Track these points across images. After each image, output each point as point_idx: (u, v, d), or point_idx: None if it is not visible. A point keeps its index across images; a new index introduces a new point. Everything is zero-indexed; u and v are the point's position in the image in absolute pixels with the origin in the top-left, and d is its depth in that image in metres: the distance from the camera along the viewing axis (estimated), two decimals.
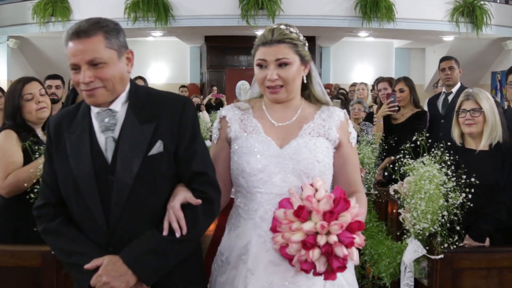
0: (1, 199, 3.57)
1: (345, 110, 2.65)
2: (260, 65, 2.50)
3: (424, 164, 3.25)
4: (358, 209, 2.23)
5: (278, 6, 14.93)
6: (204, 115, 10.30)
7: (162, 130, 2.29)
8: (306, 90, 2.62)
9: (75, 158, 2.28)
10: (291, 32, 2.49)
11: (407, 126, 5.74)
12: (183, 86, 13.15)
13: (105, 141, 2.30)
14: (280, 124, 2.54)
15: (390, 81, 6.61)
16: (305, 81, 2.57)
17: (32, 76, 3.88)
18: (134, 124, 2.28)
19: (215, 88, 15.00)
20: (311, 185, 2.30)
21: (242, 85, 18.90)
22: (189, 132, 2.34)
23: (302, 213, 2.21)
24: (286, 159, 2.44)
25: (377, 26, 15.08)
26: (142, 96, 2.37)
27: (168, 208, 2.26)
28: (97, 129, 2.31)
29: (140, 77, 7.64)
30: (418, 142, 3.33)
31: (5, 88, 10.25)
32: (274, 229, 2.30)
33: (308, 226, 2.19)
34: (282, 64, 2.45)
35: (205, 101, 13.92)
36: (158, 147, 2.27)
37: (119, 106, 2.31)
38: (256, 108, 2.61)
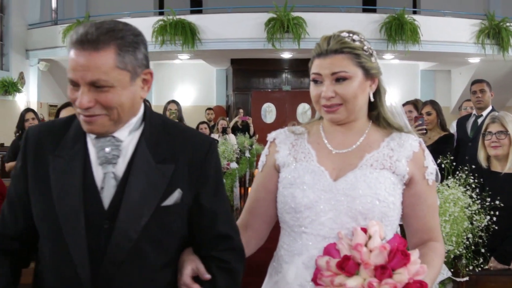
0: None
1: (421, 139, 2.14)
2: (315, 80, 2.04)
3: (448, 186, 3.27)
4: (419, 266, 1.78)
5: (304, 29, 15.07)
6: (230, 138, 10.37)
7: (179, 175, 1.78)
8: (375, 111, 2.12)
9: (60, 191, 1.72)
10: (353, 40, 2.01)
11: (435, 149, 5.72)
12: (209, 109, 13.21)
13: (103, 176, 1.74)
14: (338, 151, 2.07)
15: (415, 103, 6.61)
16: (371, 99, 2.08)
17: (67, 101, 4.01)
18: (148, 161, 1.76)
19: (241, 110, 15.08)
20: (364, 230, 1.84)
21: (267, 107, 19.03)
22: (212, 182, 1.85)
23: (348, 265, 1.76)
24: (339, 195, 1.96)
25: (402, 49, 15.11)
26: (157, 126, 1.83)
27: (180, 286, 1.80)
28: (93, 159, 1.76)
29: (173, 101, 7.29)
30: (443, 165, 3.36)
31: (36, 110, 10.48)
32: (315, 281, 1.86)
33: (353, 282, 1.74)
34: (339, 78, 1.98)
35: (231, 124, 14.00)
36: (175, 197, 1.77)
37: (125, 135, 1.77)
38: (313, 132, 2.15)
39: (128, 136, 1.77)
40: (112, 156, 1.74)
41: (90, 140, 1.77)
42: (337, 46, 1.99)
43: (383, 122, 2.10)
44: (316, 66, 2.03)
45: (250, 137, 12.86)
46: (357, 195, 1.93)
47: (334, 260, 1.80)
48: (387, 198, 1.95)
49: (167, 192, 1.75)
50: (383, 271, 1.72)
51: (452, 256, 3.26)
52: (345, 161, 2.03)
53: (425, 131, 5.85)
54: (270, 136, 2.20)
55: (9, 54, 18.15)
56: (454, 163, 3.38)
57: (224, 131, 10.63)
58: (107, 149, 1.74)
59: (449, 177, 3.34)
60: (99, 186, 1.73)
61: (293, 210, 2.00)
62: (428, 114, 5.99)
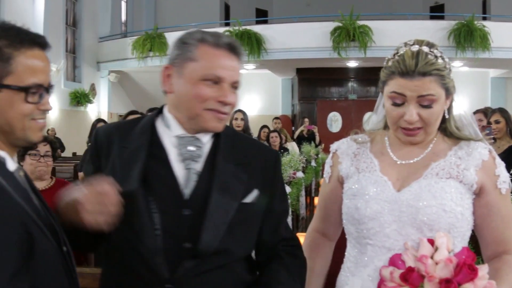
0: None
1: (491, 148, 2.02)
2: (394, 99, 1.90)
3: None
4: (487, 281, 1.69)
5: (370, 38, 14.98)
6: (293, 146, 10.37)
7: (254, 177, 1.88)
8: (443, 124, 2.02)
9: (121, 176, 1.77)
10: (436, 58, 1.88)
11: (504, 159, 5.58)
12: (276, 118, 13.21)
13: (186, 172, 1.83)
14: (403, 161, 1.99)
15: (485, 112, 6.47)
16: (446, 116, 1.98)
17: (133, 109, 4.14)
18: (228, 161, 1.87)
19: (306, 119, 15.04)
20: (431, 241, 1.76)
21: (333, 116, 18.96)
22: (280, 189, 2.00)
23: (412, 277, 1.69)
24: (403, 205, 1.88)
25: (472, 56, 14.81)
26: (230, 134, 1.95)
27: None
28: (173, 157, 1.84)
29: (240, 110, 7.25)
30: None
31: (107, 120, 10.78)
32: None
33: None
34: (425, 103, 1.87)
35: (297, 133, 14.01)
36: (253, 196, 1.86)
37: (208, 137, 1.89)
38: (376, 142, 2.09)
39: (208, 139, 1.88)
40: (196, 154, 1.84)
41: (169, 139, 1.86)
42: (426, 68, 1.85)
43: (450, 134, 2.01)
44: (399, 86, 1.88)
45: (316, 146, 12.84)
46: (421, 206, 1.85)
47: (398, 271, 1.73)
48: (454, 209, 1.85)
49: (246, 191, 1.84)
50: (448, 285, 1.64)
51: None
52: (410, 171, 1.95)
53: (493, 140, 5.72)
54: (332, 147, 2.17)
55: (81, 66, 18.78)
56: None
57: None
58: (192, 148, 1.84)
59: None
60: (181, 180, 1.81)
61: (357, 221, 1.95)
62: (497, 122, 5.85)
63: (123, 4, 22.29)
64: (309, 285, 2.03)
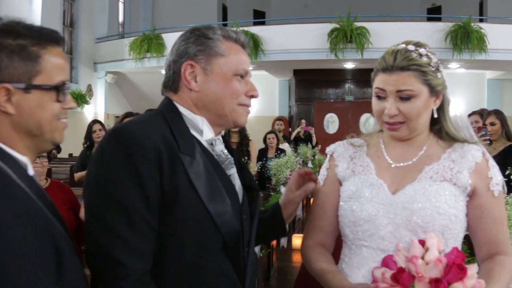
0: None
1: (484, 150, 2.05)
2: (378, 95, 1.99)
3: None
4: (476, 281, 1.71)
5: (367, 39, 15.01)
6: (286, 147, 10.36)
7: None
8: (437, 125, 2.06)
9: (205, 189, 1.69)
10: (420, 54, 1.94)
11: (500, 160, 5.60)
12: (279, 119, 13.04)
13: (233, 177, 1.85)
14: (398, 164, 2.03)
15: (481, 113, 6.49)
16: (435, 115, 2.02)
17: (131, 111, 4.12)
18: (240, 161, 1.96)
19: (303, 121, 15.02)
20: (422, 242, 1.79)
21: (330, 117, 18.98)
22: None
23: (402, 278, 1.72)
24: (398, 208, 1.91)
25: (468, 57, 14.84)
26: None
27: None
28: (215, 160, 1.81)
29: None
30: (511, 177, 3.29)
31: (103, 121, 10.78)
32: None
33: None
34: (404, 96, 1.92)
35: (294, 134, 14.00)
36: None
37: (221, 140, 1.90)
38: (372, 145, 2.13)
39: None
40: (229, 156, 1.85)
41: (202, 141, 1.79)
42: (404, 63, 1.91)
43: (445, 135, 2.04)
44: (380, 81, 1.96)
45: (313, 147, 12.85)
46: (415, 208, 1.88)
47: (389, 272, 1.75)
48: (448, 211, 1.88)
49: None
50: (437, 284, 1.66)
51: None
52: (405, 174, 1.99)
53: (489, 142, 5.74)
54: (329, 150, 2.19)
55: (78, 67, 18.76)
56: None
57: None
58: (224, 150, 1.85)
59: None
60: (236, 185, 1.84)
61: (353, 223, 1.98)
62: (492, 124, 5.87)
63: (121, 5, 22.29)
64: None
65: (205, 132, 1.80)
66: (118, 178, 1.59)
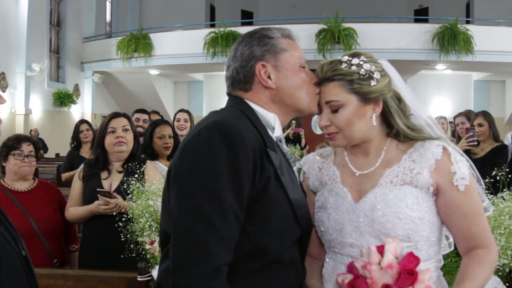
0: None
1: (445, 144, 1.98)
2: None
3: (504, 199, 3.22)
4: (425, 285, 1.75)
5: (355, 40, 15.05)
6: None
7: None
8: (393, 129, 2.03)
9: (288, 182, 1.81)
10: (350, 65, 1.94)
11: (487, 161, 5.65)
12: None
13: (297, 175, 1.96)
14: (362, 172, 2.02)
15: (467, 115, 6.54)
16: (374, 124, 1.99)
17: (118, 111, 4.07)
18: None
19: (293, 122, 15.06)
20: (378, 248, 1.82)
21: (317, 118, 18.96)
22: None
23: (357, 284, 1.75)
24: (361, 216, 1.92)
25: (455, 59, 14.94)
26: None
27: None
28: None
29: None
30: (498, 177, 3.30)
31: (90, 121, 10.72)
32: None
33: None
34: (333, 108, 1.94)
35: (283, 135, 14.00)
36: None
37: None
38: (338, 153, 2.13)
39: None
40: (292, 156, 1.96)
41: (273, 137, 1.89)
42: (329, 74, 1.94)
43: (404, 138, 2.01)
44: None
45: (302, 148, 12.85)
46: (376, 216, 1.88)
47: (349, 278, 1.79)
48: (410, 215, 1.87)
49: None
50: None
51: (507, 270, 3.21)
52: (367, 181, 1.98)
53: (476, 143, 5.78)
54: (300, 164, 2.21)
55: (65, 66, 18.68)
56: (510, 175, 3.33)
57: None
58: (286, 148, 1.96)
59: (505, 190, 3.29)
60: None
61: (324, 233, 2.02)
62: (480, 125, 5.91)
63: (108, 5, 22.20)
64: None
65: (276, 129, 1.89)
66: (217, 169, 1.64)
